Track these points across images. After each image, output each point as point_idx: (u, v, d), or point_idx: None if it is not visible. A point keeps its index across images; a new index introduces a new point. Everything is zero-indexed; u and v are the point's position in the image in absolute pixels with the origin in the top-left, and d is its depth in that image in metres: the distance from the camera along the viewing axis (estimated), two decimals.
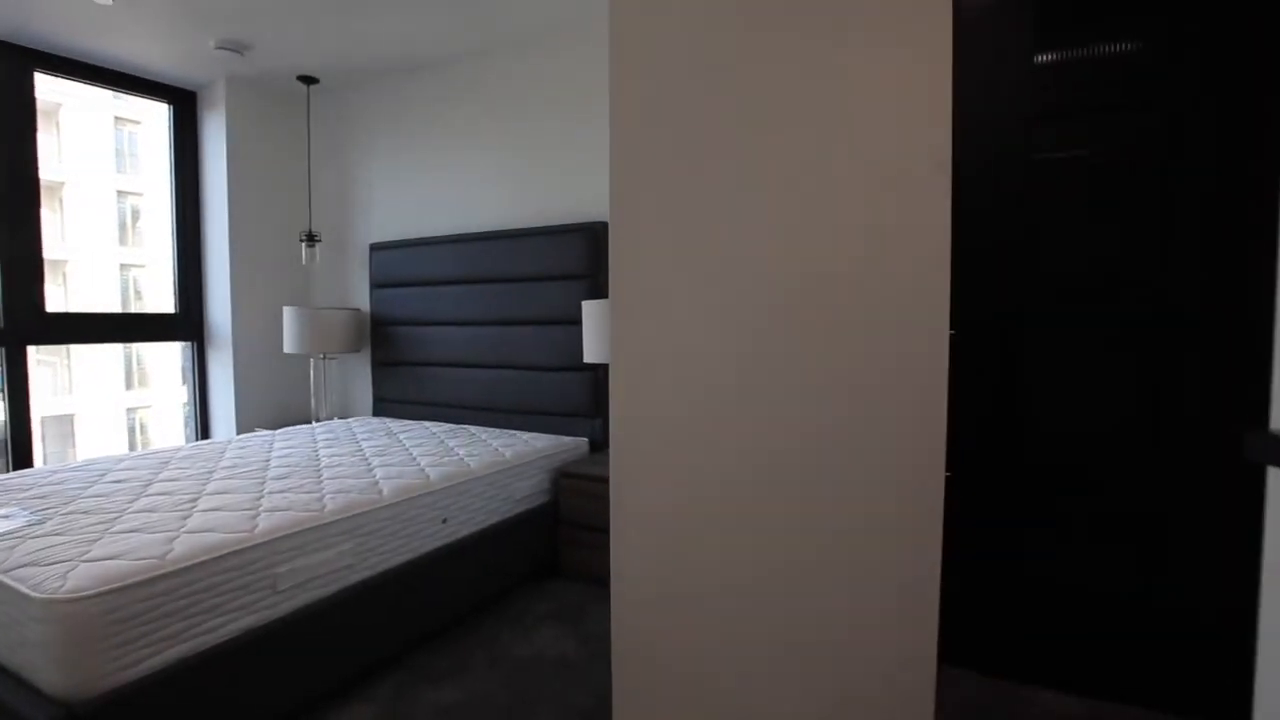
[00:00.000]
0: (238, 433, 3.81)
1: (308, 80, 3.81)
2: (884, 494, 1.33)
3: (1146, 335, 1.88)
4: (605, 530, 1.63)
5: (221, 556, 1.62)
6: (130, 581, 1.44)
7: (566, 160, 3.22)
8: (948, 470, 1.43)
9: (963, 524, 2.07)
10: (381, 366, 3.86)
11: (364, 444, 2.89)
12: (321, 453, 2.70)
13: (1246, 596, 1.79)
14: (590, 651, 2.21)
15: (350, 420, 3.62)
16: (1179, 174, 1.81)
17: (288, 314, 3.67)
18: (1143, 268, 1.87)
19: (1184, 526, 1.86)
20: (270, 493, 2.07)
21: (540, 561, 2.77)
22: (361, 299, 4.01)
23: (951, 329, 1.48)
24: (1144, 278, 1.87)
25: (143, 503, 1.96)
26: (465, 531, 2.40)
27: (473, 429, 3.26)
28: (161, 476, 2.28)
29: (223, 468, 2.43)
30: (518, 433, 3.15)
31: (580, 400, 3.09)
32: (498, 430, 3.22)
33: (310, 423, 3.76)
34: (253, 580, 1.68)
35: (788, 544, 1.40)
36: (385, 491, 2.16)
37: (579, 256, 3.05)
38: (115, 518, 1.81)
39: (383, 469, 2.43)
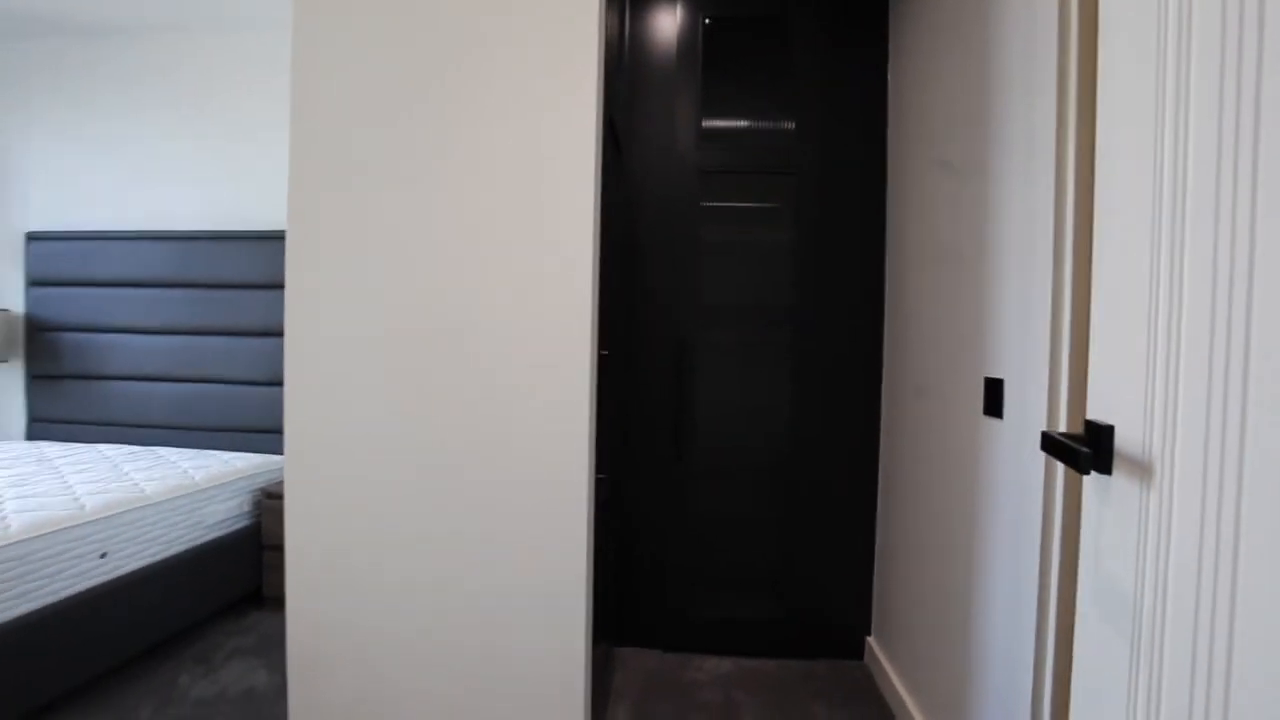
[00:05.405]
0: None
1: None
2: (538, 495, 1.52)
3: (783, 353, 2.38)
4: None
5: None
6: None
7: (275, 163, 3.02)
8: (600, 473, 1.69)
9: (641, 522, 2.41)
10: (42, 380, 3.21)
11: None
12: None
13: (862, 575, 2.37)
14: (283, 680, 2.11)
15: None
16: (804, 220, 2.35)
17: None
18: (779, 294, 2.38)
19: (810, 521, 2.39)
20: None
21: (240, 591, 2.56)
22: (11, 298, 3.29)
23: (604, 349, 1.76)
24: (780, 303, 2.38)
25: None
26: (134, 565, 2.13)
27: (161, 451, 2.88)
28: None
29: None
30: (217, 453, 2.86)
31: None
32: (193, 451, 2.89)
33: None
34: None
35: (452, 547, 1.53)
36: (14, 526, 1.84)
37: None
38: None
39: (17, 501, 2.06)
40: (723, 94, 2.38)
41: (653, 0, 2.35)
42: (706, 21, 2.34)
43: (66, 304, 3.15)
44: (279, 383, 2.91)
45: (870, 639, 2.36)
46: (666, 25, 2.35)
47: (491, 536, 1.52)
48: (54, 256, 3.17)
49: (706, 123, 2.37)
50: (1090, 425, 0.77)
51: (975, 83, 1.61)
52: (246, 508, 2.61)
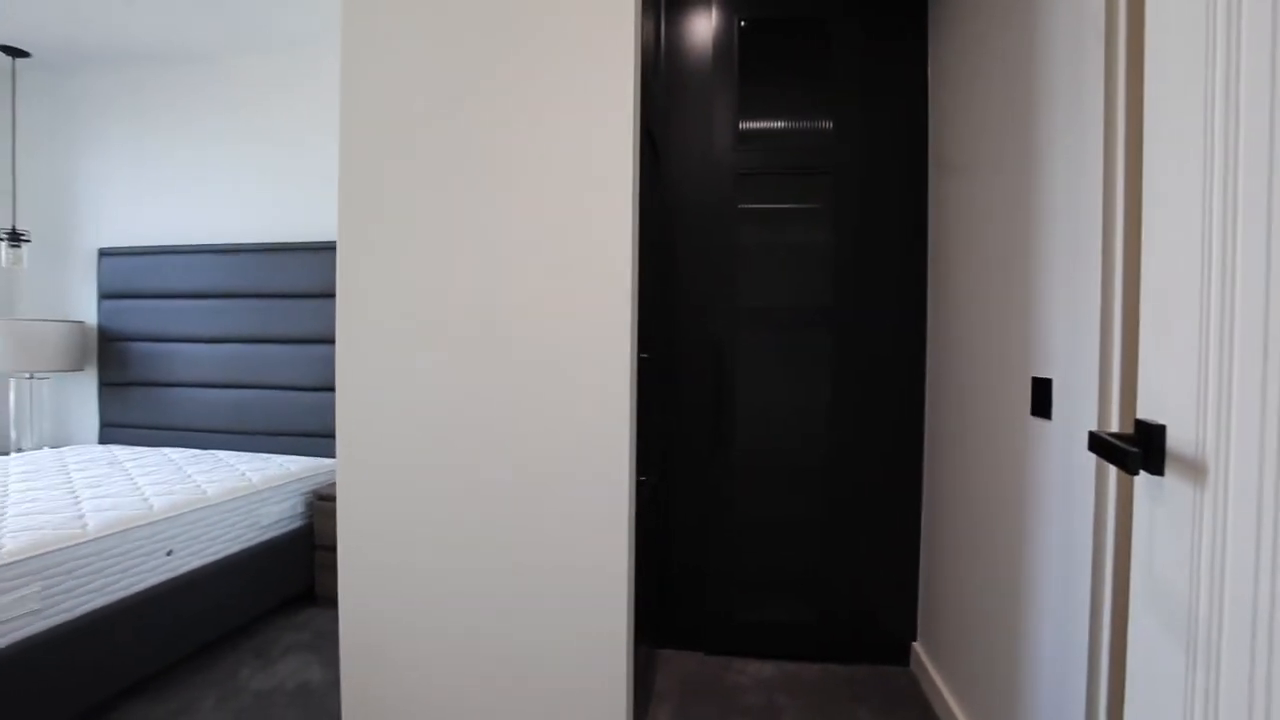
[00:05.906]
0: None
1: (14, 52, 3.29)
2: (581, 497, 1.55)
3: (823, 355, 2.36)
4: None
5: None
6: None
7: (325, 177, 3.13)
8: (640, 475, 1.70)
9: (680, 524, 2.42)
10: (112, 387, 3.40)
11: (75, 475, 2.55)
12: (12, 488, 2.34)
13: (906, 579, 2.32)
14: (337, 676, 2.19)
15: (64, 449, 3.14)
16: (843, 220, 2.33)
17: None
18: (818, 295, 2.36)
19: (852, 524, 2.36)
20: None
21: (294, 589, 2.66)
22: (86, 310, 3.50)
23: (644, 353, 1.78)
24: (819, 304, 2.36)
25: None
26: (197, 563, 2.24)
27: (220, 454, 3.03)
28: None
29: None
30: (272, 456, 2.99)
31: None
32: (249, 454, 3.02)
33: (7, 454, 3.19)
34: None
35: (498, 547, 1.57)
36: (91, 525, 1.96)
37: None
38: None
39: (94, 501, 2.19)
40: (759, 95, 2.38)
41: (688, 4, 2.37)
42: (742, 24, 2.34)
43: (134, 315, 3.34)
44: (330, 388, 3.04)
45: (916, 644, 2.31)
46: (702, 29, 2.36)
47: (535, 536, 1.56)
48: (123, 271, 3.36)
49: (743, 124, 2.37)
50: (1140, 425, 0.75)
51: (1020, 79, 1.58)
52: (300, 509, 2.71)
